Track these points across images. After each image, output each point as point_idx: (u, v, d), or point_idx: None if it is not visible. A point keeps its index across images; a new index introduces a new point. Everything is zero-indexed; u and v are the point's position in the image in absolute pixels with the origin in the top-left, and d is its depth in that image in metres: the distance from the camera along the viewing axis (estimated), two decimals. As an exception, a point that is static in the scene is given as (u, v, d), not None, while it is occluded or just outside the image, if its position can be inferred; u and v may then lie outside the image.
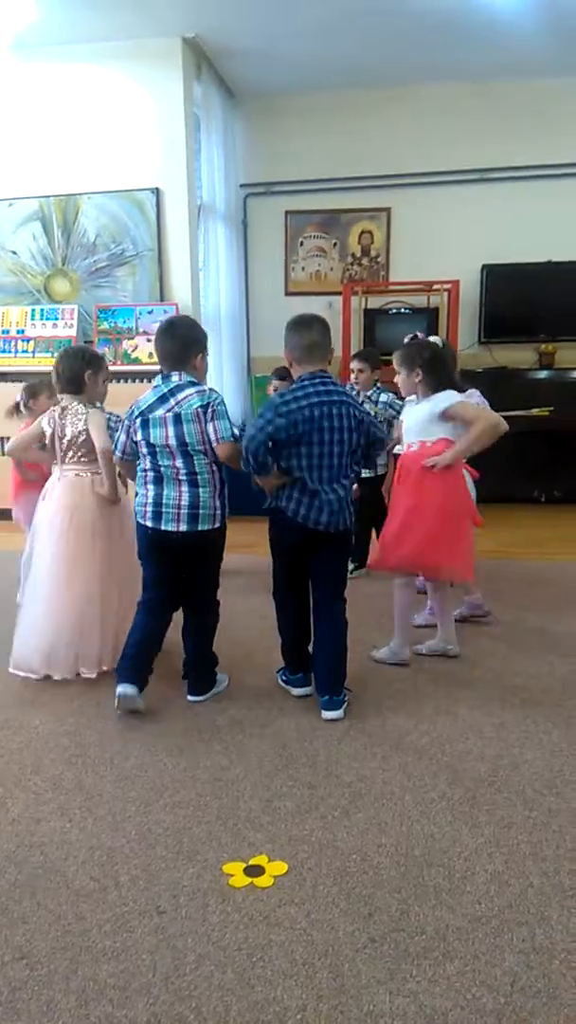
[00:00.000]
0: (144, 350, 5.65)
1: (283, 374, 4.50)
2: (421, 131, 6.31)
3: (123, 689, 2.67)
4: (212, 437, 2.64)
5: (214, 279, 6.27)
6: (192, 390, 2.65)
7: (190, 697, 2.84)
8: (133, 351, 5.75)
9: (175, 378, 2.67)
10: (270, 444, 2.60)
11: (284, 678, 2.95)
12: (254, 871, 1.89)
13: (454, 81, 6.12)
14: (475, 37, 5.32)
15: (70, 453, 3.08)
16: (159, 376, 2.72)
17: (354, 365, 4.27)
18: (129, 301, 5.87)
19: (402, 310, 6.41)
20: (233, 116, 6.43)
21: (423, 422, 3.01)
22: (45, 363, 5.70)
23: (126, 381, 5.35)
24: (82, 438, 3.04)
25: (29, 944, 1.67)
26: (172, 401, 2.64)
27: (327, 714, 2.69)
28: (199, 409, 2.62)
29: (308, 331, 2.69)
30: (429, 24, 5.14)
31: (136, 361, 5.69)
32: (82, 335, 5.86)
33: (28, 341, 5.84)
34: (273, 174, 6.57)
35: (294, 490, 2.67)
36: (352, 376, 4.32)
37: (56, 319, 5.87)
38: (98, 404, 3.19)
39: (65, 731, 2.64)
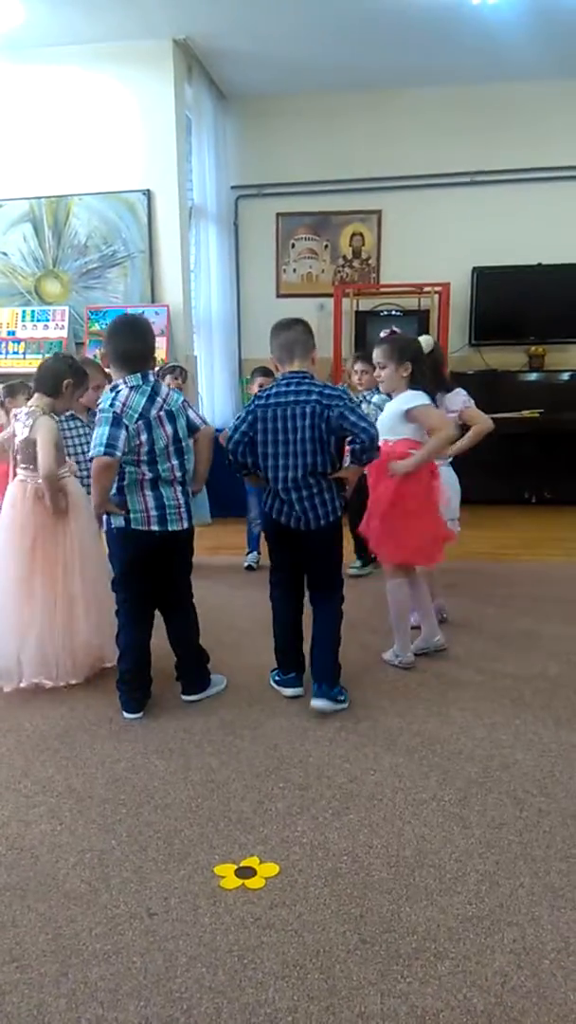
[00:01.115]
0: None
1: (266, 371, 4.52)
2: (412, 134, 6.32)
3: (129, 718, 2.73)
4: (197, 423, 2.74)
5: (205, 281, 6.27)
6: (166, 387, 2.70)
7: (186, 697, 2.83)
8: (124, 353, 5.73)
9: (151, 376, 2.65)
10: (246, 442, 2.70)
11: (276, 679, 2.95)
12: (245, 873, 1.89)
13: (444, 84, 6.14)
14: (465, 40, 5.34)
15: (20, 456, 3.00)
16: (135, 376, 2.60)
17: (357, 367, 4.27)
18: (120, 303, 5.85)
19: (393, 312, 6.42)
20: (224, 118, 6.43)
21: (390, 420, 3.03)
22: (36, 364, 5.69)
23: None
24: (30, 448, 2.92)
25: (20, 947, 1.67)
26: (159, 399, 2.62)
27: (314, 703, 2.73)
28: (183, 404, 2.71)
29: (286, 331, 2.74)
30: (419, 27, 5.16)
31: (127, 363, 5.68)
32: (73, 337, 5.84)
33: (19, 343, 5.82)
34: (264, 176, 6.57)
35: (274, 487, 2.74)
36: (355, 377, 4.32)
37: (47, 320, 5.85)
38: (60, 417, 3.10)
39: (56, 734, 2.63)
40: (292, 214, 6.65)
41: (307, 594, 2.90)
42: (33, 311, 5.90)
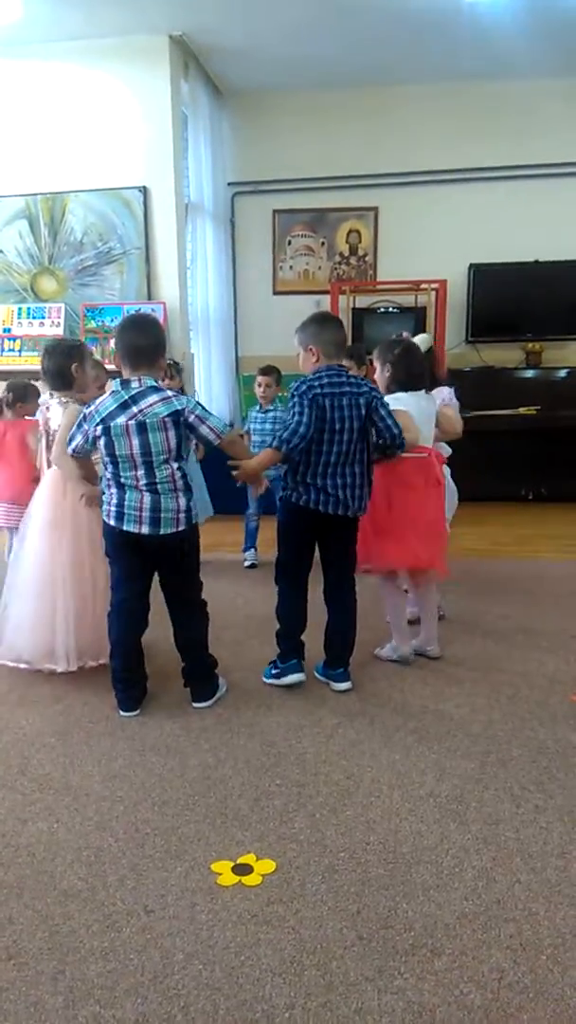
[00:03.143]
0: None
1: (268, 370, 4.52)
2: (408, 131, 6.32)
3: (125, 715, 2.73)
4: (211, 437, 2.62)
5: (202, 278, 6.26)
6: (155, 397, 2.55)
7: (196, 704, 2.78)
8: (120, 350, 5.73)
9: (135, 384, 2.57)
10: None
11: (275, 671, 2.95)
12: (242, 870, 1.89)
13: (442, 81, 6.14)
14: (462, 37, 5.34)
15: (56, 446, 3.02)
16: (116, 381, 2.62)
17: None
18: (116, 300, 5.84)
19: (390, 309, 6.42)
20: (220, 115, 6.42)
21: None
22: (32, 362, 5.68)
23: (113, 379, 5.31)
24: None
25: (16, 945, 1.66)
26: (134, 409, 2.54)
27: (339, 686, 2.88)
28: (167, 418, 2.54)
29: (340, 329, 2.88)
30: (417, 24, 5.15)
31: (123, 360, 5.67)
32: (69, 334, 5.83)
33: (14, 340, 5.80)
34: (261, 173, 6.57)
35: (305, 476, 2.76)
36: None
37: (43, 317, 5.84)
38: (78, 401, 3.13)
39: (52, 731, 2.63)
40: (289, 211, 6.65)
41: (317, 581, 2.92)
42: (29, 308, 5.88)
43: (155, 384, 2.60)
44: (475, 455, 6.22)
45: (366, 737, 2.55)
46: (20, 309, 5.87)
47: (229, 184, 6.59)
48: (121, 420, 2.54)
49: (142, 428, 2.54)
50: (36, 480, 3.29)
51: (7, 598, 3.08)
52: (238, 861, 1.92)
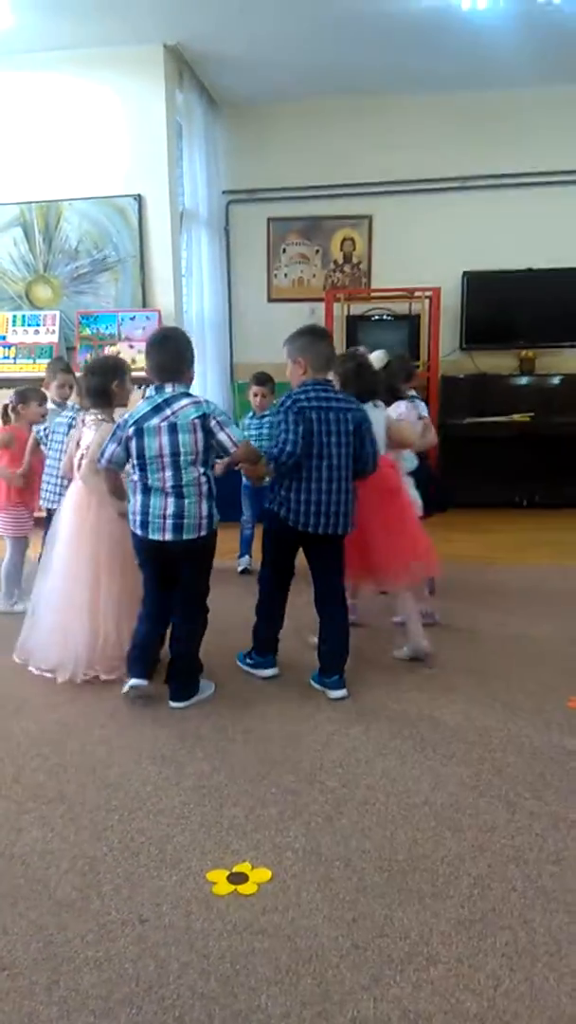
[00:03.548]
0: (126, 356, 5.62)
1: (262, 379, 4.52)
2: (402, 139, 6.36)
3: (133, 682, 2.84)
4: (228, 444, 2.73)
5: (197, 286, 6.29)
6: (187, 401, 2.71)
7: (172, 703, 2.83)
8: (115, 357, 5.74)
9: (168, 389, 2.73)
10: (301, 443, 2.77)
11: (251, 661, 3.08)
12: (238, 878, 1.88)
13: (435, 90, 6.18)
14: (456, 47, 5.38)
15: (84, 462, 3.12)
16: (151, 387, 2.79)
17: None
18: (111, 307, 5.86)
19: (384, 317, 6.45)
20: (215, 123, 6.45)
21: None
22: (26, 369, 5.70)
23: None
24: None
25: (11, 955, 1.66)
26: (168, 411, 2.70)
27: (334, 694, 2.89)
28: (196, 420, 2.69)
29: (328, 344, 2.96)
30: (410, 34, 5.19)
31: (118, 367, 5.67)
32: (64, 341, 5.84)
33: (9, 347, 5.82)
34: (255, 181, 6.60)
35: (290, 491, 2.82)
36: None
37: (38, 325, 5.85)
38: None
39: (47, 740, 2.62)
40: (283, 219, 6.68)
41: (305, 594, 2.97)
42: (24, 316, 5.89)
43: (186, 391, 2.78)
44: (469, 462, 6.30)
45: (361, 745, 2.54)
46: (15, 317, 5.88)
47: (224, 192, 6.62)
48: (155, 422, 2.70)
49: (173, 429, 2.68)
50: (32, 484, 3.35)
51: (34, 606, 3.19)
52: (233, 870, 1.92)
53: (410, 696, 2.91)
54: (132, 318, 5.76)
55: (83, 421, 3.19)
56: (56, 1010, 1.51)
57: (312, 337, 2.92)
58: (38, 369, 5.70)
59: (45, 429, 3.77)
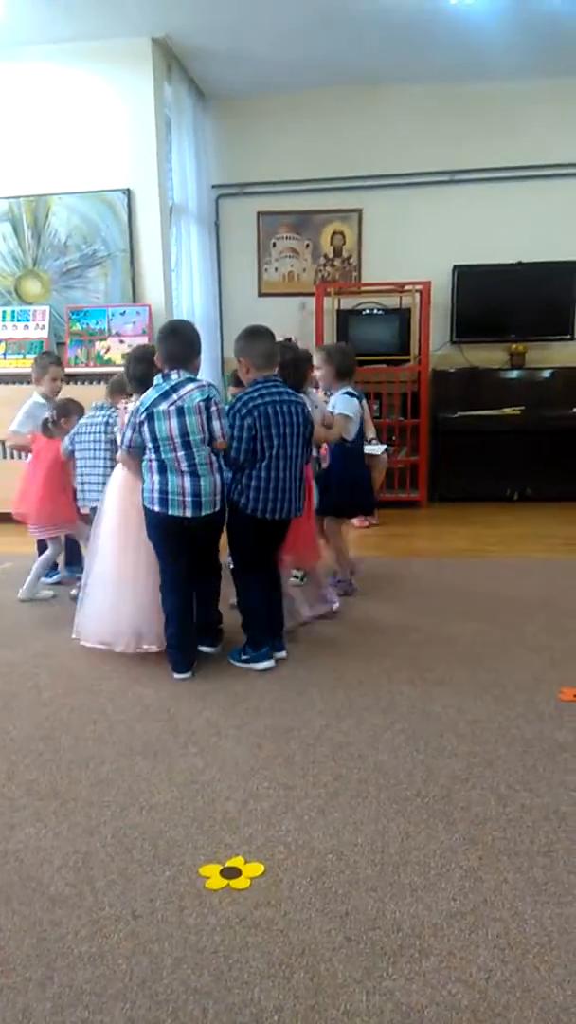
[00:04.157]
0: (117, 352, 5.62)
1: (239, 380, 4.50)
2: (392, 132, 6.34)
3: (180, 678, 3.03)
4: (217, 433, 2.94)
5: (187, 280, 6.26)
6: (192, 385, 2.93)
7: (204, 648, 3.19)
8: (106, 353, 5.72)
9: (175, 376, 2.95)
10: (252, 437, 2.97)
11: (246, 656, 3.13)
12: (230, 873, 1.89)
13: (425, 82, 6.16)
14: (445, 39, 5.37)
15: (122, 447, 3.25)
16: (159, 375, 3.00)
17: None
18: (101, 302, 5.83)
19: (375, 311, 6.44)
20: (204, 117, 6.42)
21: None
22: (16, 365, 5.68)
23: (97, 383, 5.31)
24: None
25: (4, 951, 1.66)
26: (175, 396, 2.91)
27: (278, 653, 3.17)
28: (200, 403, 2.91)
29: (268, 341, 3.09)
30: (399, 26, 5.18)
31: (108, 363, 5.66)
32: (54, 337, 5.82)
33: (-1, 343, 5.79)
34: (245, 175, 6.57)
35: (250, 482, 3.01)
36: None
37: (27, 321, 5.83)
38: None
39: (39, 736, 2.62)
40: (273, 213, 6.65)
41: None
42: (13, 311, 5.87)
43: (191, 376, 2.98)
44: (460, 456, 6.32)
45: (354, 739, 2.55)
46: (4, 312, 5.85)
47: (213, 186, 6.59)
48: (163, 406, 2.91)
49: (181, 412, 2.89)
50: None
51: (85, 586, 3.34)
52: (226, 864, 1.92)
53: (402, 690, 2.92)
54: (122, 313, 5.73)
55: (125, 408, 3.30)
56: (50, 1005, 1.51)
57: (250, 337, 3.08)
58: (27, 364, 5.68)
59: (73, 435, 3.80)
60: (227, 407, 3.05)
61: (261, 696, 2.88)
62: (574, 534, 5.35)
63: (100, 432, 3.63)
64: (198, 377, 3.02)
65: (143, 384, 3.21)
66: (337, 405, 3.81)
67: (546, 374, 6.37)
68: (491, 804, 2.17)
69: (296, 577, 3.92)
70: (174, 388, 2.93)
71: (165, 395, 2.92)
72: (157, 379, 3.00)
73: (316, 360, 3.81)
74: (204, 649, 3.20)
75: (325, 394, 4.01)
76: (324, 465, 3.90)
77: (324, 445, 3.81)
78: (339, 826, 2.08)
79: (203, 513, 2.94)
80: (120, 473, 3.28)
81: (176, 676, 3.03)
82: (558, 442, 6.14)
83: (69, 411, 3.95)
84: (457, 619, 3.66)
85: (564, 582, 4.25)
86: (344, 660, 3.19)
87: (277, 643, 3.19)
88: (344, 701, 2.83)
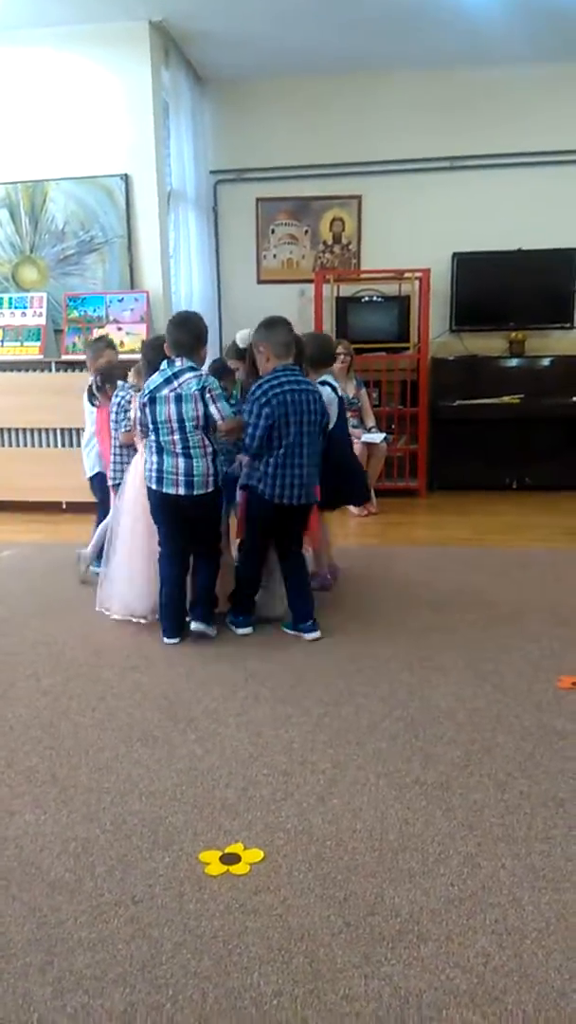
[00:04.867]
0: (114, 339, 5.58)
1: (225, 367, 4.43)
2: (391, 118, 6.30)
3: (169, 642, 3.23)
4: (216, 417, 3.10)
5: (185, 266, 6.23)
6: (191, 374, 3.11)
7: (195, 625, 3.25)
8: (103, 340, 5.68)
9: (178, 363, 3.13)
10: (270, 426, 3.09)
11: (236, 620, 3.35)
12: (230, 859, 1.90)
13: (425, 68, 6.11)
14: (446, 24, 5.32)
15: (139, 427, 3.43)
16: (165, 361, 3.17)
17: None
18: (99, 289, 5.80)
19: (374, 298, 6.42)
20: (202, 102, 6.37)
21: None
22: (13, 352, 5.65)
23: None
24: None
25: (4, 937, 1.66)
26: (175, 383, 3.10)
27: (311, 635, 3.26)
28: (196, 392, 3.08)
29: (287, 330, 3.19)
30: (399, 11, 5.13)
31: (107, 350, 5.62)
32: (52, 323, 5.79)
33: (-4, 330, 5.76)
34: (243, 161, 6.52)
35: (267, 469, 3.13)
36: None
37: (25, 307, 5.80)
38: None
39: (39, 723, 2.62)
40: (272, 199, 6.61)
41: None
42: (11, 298, 5.84)
43: (192, 365, 3.15)
44: (459, 444, 6.31)
45: (352, 726, 2.56)
46: (2, 299, 5.82)
47: (211, 172, 6.54)
48: (165, 392, 3.11)
49: (179, 399, 3.09)
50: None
51: (107, 561, 3.52)
52: (226, 851, 1.93)
53: (400, 677, 2.92)
54: (120, 300, 5.71)
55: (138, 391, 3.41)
56: (50, 990, 1.52)
57: (270, 326, 3.18)
58: (25, 352, 5.68)
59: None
60: (221, 391, 3.14)
61: (260, 683, 2.89)
62: (573, 523, 5.35)
63: (116, 412, 3.67)
64: (198, 368, 3.16)
65: (156, 369, 3.29)
66: None
67: (546, 362, 6.35)
68: (489, 791, 2.18)
69: None
70: (175, 375, 3.11)
71: (167, 381, 3.11)
72: (163, 364, 3.16)
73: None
74: (198, 627, 3.25)
75: None
76: None
77: None
78: (338, 812, 2.09)
79: (195, 492, 3.12)
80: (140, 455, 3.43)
81: (165, 640, 3.23)
82: (557, 431, 6.13)
83: (113, 377, 3.88)
84: (456, 608, 3.66)
85: (562, 571, 4.25)
86: (343, 648, 3.19)
87: (310, 624, 3.29)
88: (343, 689, 2.83)
